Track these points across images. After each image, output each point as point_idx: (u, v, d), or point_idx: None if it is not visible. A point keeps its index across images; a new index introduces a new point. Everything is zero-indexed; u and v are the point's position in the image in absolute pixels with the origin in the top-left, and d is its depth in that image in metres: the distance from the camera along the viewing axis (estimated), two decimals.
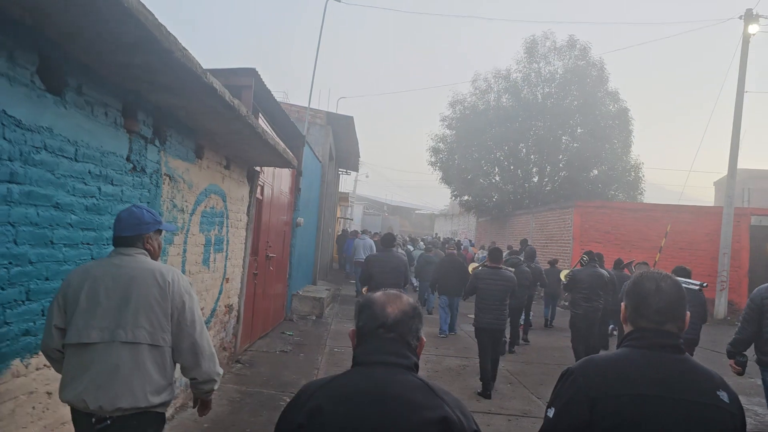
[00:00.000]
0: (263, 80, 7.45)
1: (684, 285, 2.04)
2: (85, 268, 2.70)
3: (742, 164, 16.06)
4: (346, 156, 21.62)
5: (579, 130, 23.87)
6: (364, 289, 8.09)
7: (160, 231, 2.86)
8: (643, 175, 24.69)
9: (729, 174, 15.46)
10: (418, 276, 14.07)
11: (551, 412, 1.85)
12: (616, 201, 21.56)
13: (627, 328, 1.96)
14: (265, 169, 8.68)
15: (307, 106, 14.11)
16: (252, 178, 7.34)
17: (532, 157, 25.35)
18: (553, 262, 13.87)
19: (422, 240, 23.48)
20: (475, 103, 25.98)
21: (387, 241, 8.25)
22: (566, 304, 10.27)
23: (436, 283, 11.16)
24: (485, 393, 6.84)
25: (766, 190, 29.97)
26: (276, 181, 9.58)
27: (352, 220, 37.31)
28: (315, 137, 15.26)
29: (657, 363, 1.82)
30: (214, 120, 4.61)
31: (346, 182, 37.98)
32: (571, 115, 23.69)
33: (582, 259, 8.86)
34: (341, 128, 16.89)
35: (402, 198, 72.33)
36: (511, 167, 25.39)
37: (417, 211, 64.27)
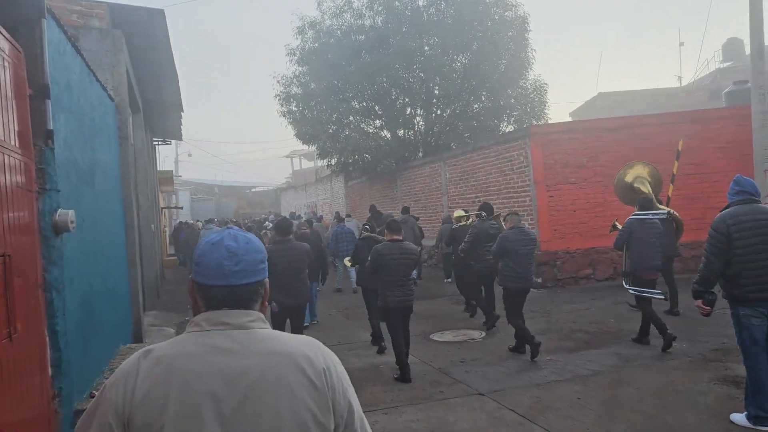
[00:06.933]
0: None
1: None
2: (162, 361, 1.35)
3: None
4: (160, 108, 13.95)
5: (475, 45, 18.37)
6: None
7: None
8: (548, 100, 20.11)
9: (752, 48, 10.62)
10: None
11: None
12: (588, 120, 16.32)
13: None
14: None
15: None
16: None
17: (406, 98, 19.42)
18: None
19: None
20: (331, 26, 19.34)
21: (283, 229, 6.96)
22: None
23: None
24: (405, 377, 6.26)
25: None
26: None
27: (182, 209, 29.20)
28: (95, 54, 7.82)
29: None
30: None
31: (164, 160, 29.75)
32: (461, 28, 18.06)
33: (480, 214, 8.88)
34: (144, 45, 9.47)
35: (236, 177, 64.03)
36: (393, 108, 19.31)
37: (254, 189, 56.61)
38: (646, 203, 7.63)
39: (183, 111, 15.03)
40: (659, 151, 11.11)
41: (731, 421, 4.62)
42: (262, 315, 1.47)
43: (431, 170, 16.40)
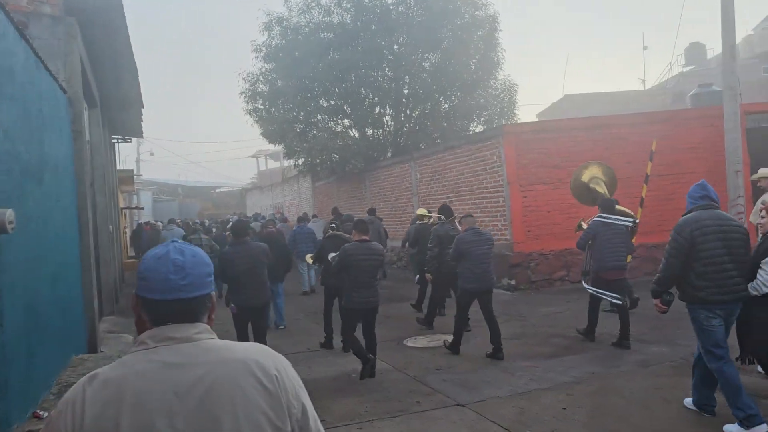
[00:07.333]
0: None
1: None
2: (109, 384, 1.32)
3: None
4: (119, 103, 13.32)
5: (445, 44, 18.16)
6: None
7: None
8: (518, 100, 20.03)
9: (724, 48, 10.59)
10: None
11: None
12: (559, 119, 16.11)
13: None
14: None
15: None
16: None
17: (375, 98, 19.08)
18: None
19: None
20: (299, 23, 18.90)
21: (238, 231, 6.88)
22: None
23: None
24: (366, 373, 6.12)
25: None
26: None
27: (143, 209, 28.32)
28: (46, 42, 7.28)
29: None
30: None
31: (125, 160, 28.86)
32: (431, 26, 17.83)
33: (440, 217, 8.79)
34: (101, 35, 8.93)
35: (200, 177, 62.76)
36: (361, 107, 18.96)
37: (219, 190, 55.50)
38: (608, 204, 7.69)
39: (143, 107, 14.42)
40: (633, 151, 11.03)
41: None
42: (208, 327, 1.45)
43: (401, 170, 16.10)
